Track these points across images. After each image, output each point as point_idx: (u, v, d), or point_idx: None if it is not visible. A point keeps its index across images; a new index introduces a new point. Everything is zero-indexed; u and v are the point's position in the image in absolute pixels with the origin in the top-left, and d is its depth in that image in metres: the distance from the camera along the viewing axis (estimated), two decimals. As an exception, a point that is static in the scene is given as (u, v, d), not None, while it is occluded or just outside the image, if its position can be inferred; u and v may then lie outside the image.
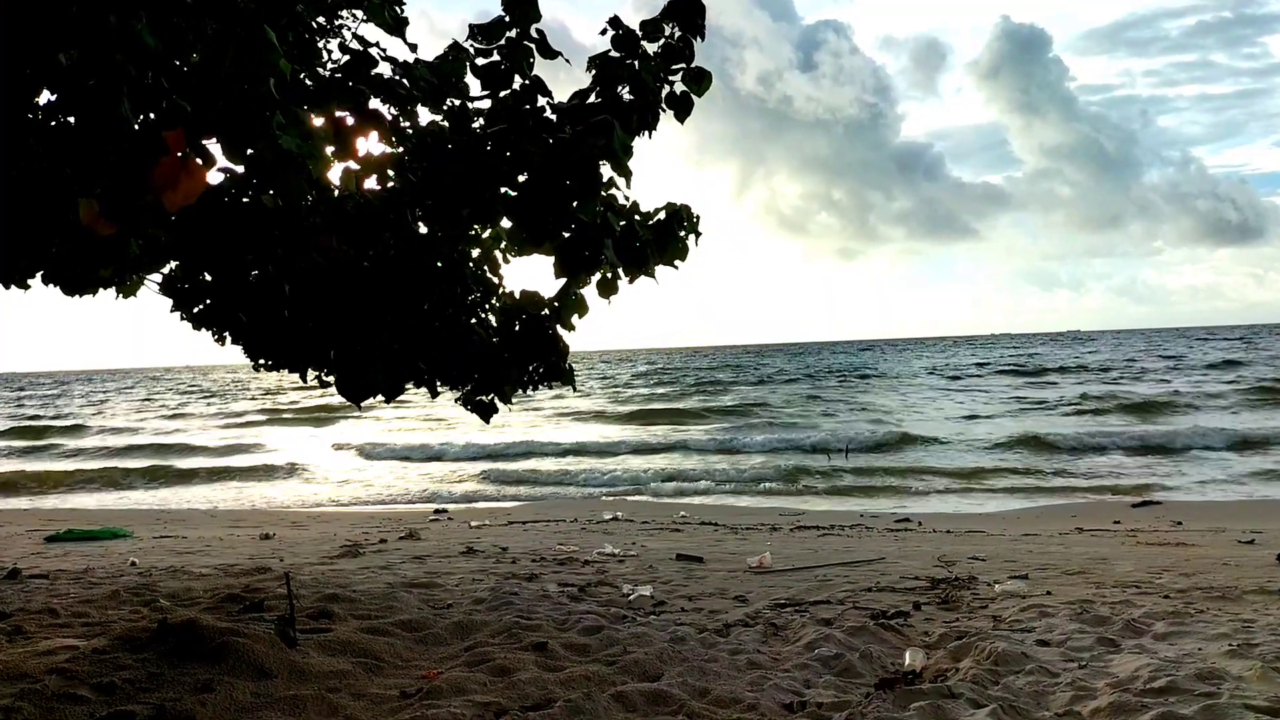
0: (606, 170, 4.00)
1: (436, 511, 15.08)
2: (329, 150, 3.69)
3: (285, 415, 42.45)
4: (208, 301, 5.29)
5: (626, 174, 4.08)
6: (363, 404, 5.53)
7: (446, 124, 4.22)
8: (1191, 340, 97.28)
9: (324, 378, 5.64)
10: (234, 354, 5.93)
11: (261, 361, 5.74)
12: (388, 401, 5.48)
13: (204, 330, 5.64)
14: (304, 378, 5.52)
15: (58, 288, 4.06)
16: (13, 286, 4.00)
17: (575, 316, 5.13)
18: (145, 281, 5.47)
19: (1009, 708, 3.92)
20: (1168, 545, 9.36)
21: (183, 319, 5.50)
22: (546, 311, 5.22)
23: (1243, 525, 11.24)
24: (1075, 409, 31.66)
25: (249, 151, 2.96)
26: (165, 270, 5.31)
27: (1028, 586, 6.70)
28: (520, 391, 5.63)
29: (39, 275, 4.03)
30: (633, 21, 4.01)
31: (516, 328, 5.21)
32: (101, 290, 4.77)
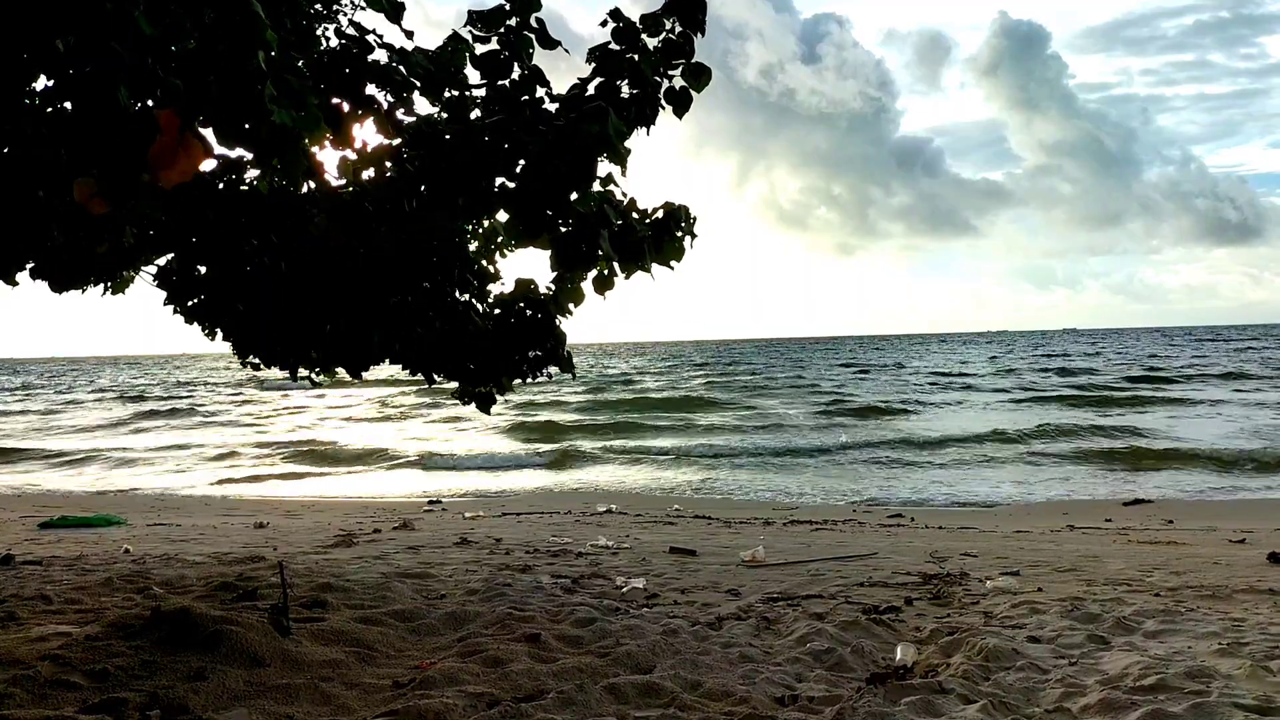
0: (604, 165, 3.99)
1: (431, 502, 15.11)
2: (327, 138, 3.67)
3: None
4: (201, 296, 5.28)
5: (622, 162, 4.07)
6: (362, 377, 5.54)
7: (444, 114, 4.21)
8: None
9: (314, 377, 5.63)
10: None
11: (250, 360, 5.74)
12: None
13: (195, 324, 5.64)
14: (294, 375, 5.51)
15: (46, 283, 4.04)
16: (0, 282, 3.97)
17: (572, 304, 5.12)
18: (141, 273, 5.45)
19: (999, 704, 3.94)
20: (1159, 543, 9.40)
21: (175, 312, 5.49)
22: (543, 299, 5.21)
23: (1234, 524, 11.29)
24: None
25: (245, 127, 2.94)
26: (160, 263, 5.30)
27: (1019, 583, 6.72)
28: (521, 381, 5.62)
29: (28, 269, 4.00)
30: (631, 13, 3.99)
31: (513, 319, 5.20)
32: (90, 286, 4.75)
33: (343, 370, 5.49)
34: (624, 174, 4.30)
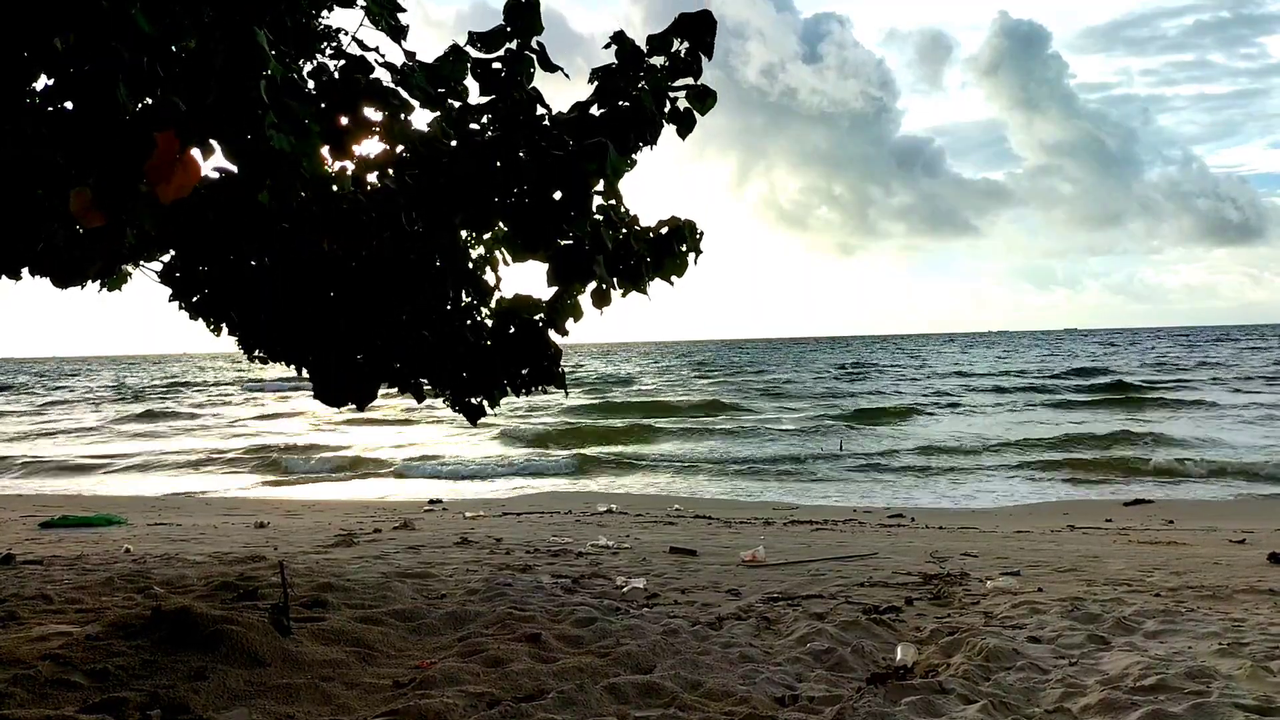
0: (603, 187, 3.98)
1: (431, 502, 15.09)
2: (325, 151, 3.67)
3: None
4: (205, 292, 5.28)
5: (617, 196, 4.05)
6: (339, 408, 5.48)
7: (444, 126, 4.20)
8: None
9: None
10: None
11: (256, 354, 5.74)
12: (360, 409, 5.39)
13: (200, 320, 5.65)
14: (299, 371, 5.51)
15: (47, 279, 4.03)
16: (3, 276, 3.97)
17: (569, 321, 5.11)
18: (143, 269, 5.46)
19: (999, 704, 3.94)
20: (1159, 544, 9.39)
21: (180, 308, 5.50)
22: (540, 315, 5.20)
23: (1234, 525, 11.29)
24: None
25: (243, 148, 2.94)
26: (165, 259, 5.31)
27: (1019, 583, 6.72)
28: (512, 395, 5.61)
29: (27, 267, 3.99)
30: (632, 13, 3.98)
31: (510, 330, 5.20)
32: (91, 282, 4.74)
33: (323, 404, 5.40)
34: (620, 205, 4.27)
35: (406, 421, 34.24)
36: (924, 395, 39.95)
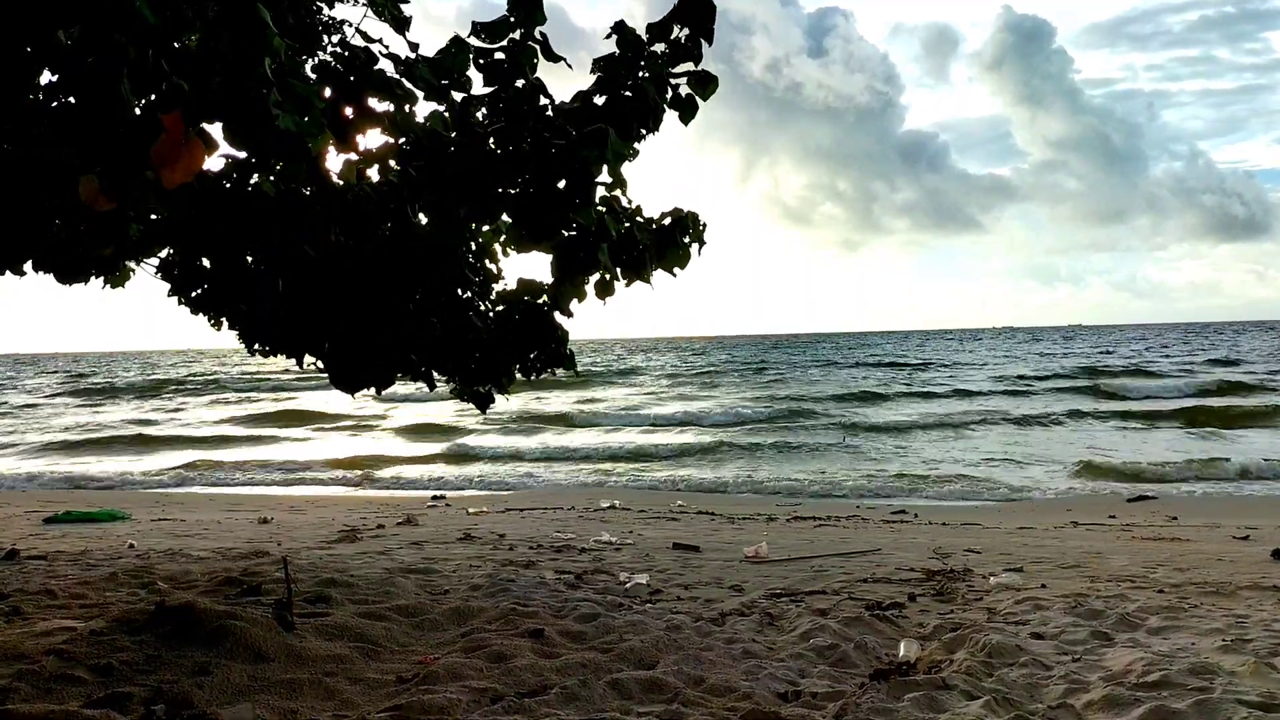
0: (606, 174, 3.99)
1: (434, 498, 15.12)
2: (331, 144, 3.67)
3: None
4: (205, 286, 5.29)
5: (621, 183, 4.06)
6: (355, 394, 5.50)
7: (447, 117, 4.20)
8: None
9: (319, 365, 5.63)
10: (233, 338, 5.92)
11: (256, 348, 5.75)
12: (378, 393, 5.41)
13: (201, 315, 5.65)
14: (300, 363, 5.52)
15: (51, 274, 4.04)
16: (6, 273, 3.97)
17: (574, 302, 5.13)
18: (142, 265, 5.46)
19: (1002, 700, 3.94)
20: (1163, 540, 9.39)
21: (180, 303, 5.50)
22: (544, 298, 5.22)
23: (1238, 521, 11.27)
24: None
25: (250, 131, 2.94)
26: (163, 254, 5.31)
27: (1022, 579, 6.72)
28: (523, 379, 5.63)
29: (30, 262, 4.00)
30: (633, 8, 3.98)
31: (516, 316, 5.21)
32: (94, 277, 4.75)
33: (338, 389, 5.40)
34: (624, 194, 4.27)
35: (454, 428, 28.76)
36: (989, 404, 33.24)
